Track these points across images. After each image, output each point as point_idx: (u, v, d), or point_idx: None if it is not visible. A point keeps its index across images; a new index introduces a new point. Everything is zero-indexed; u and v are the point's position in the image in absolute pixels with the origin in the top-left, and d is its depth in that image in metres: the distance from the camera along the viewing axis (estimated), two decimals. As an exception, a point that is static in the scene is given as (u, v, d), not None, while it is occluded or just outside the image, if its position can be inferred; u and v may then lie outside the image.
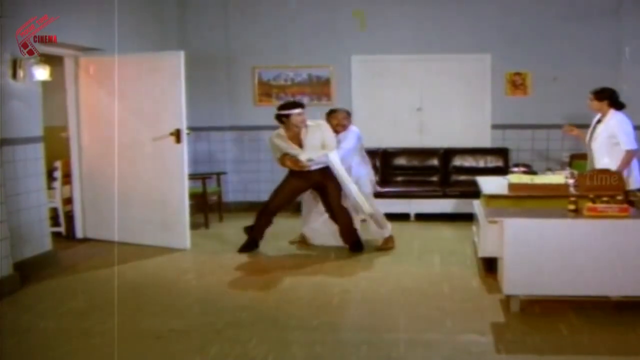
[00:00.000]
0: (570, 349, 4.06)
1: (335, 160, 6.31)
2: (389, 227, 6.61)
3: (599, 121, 6.00)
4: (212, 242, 7.07)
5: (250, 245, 6.55)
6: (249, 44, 8.78)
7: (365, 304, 5.04)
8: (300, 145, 6.36)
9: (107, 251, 6.53)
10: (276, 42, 8.77)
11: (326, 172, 6.36)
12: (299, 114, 6.31)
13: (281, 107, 6.47)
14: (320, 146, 6.34)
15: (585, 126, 6.23)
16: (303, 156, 6.28)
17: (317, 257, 6.35)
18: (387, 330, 4.40)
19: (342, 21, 8.66)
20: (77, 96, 7.09)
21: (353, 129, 6.59)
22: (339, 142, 6.43)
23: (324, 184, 6.40)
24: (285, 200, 6.59)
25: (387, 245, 6.56)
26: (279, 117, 6.40)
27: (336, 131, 6.47)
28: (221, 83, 8.85)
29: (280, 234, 6.93)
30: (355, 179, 6.43)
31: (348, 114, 6.67)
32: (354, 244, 6.49)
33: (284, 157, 6.39)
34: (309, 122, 6.38)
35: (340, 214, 6.46)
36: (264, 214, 6.57)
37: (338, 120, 6.52)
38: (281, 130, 6.44)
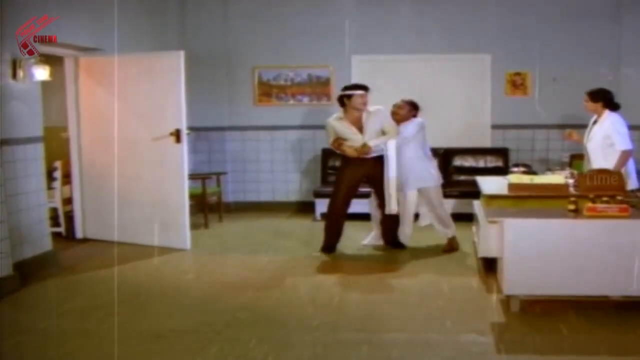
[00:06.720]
0: (570, 349, 4.06)
1: (392, 148, 6.21)
2: (454, 228, 6.51)
3: (594, 122, 6.00)
4: (212, 242, 7.07)
5: (329, 249, 6.44)
6: (249, 44, 8.78)
7: (366, 304, 5.04)
8: (360, 129, 6.25)
9: (107, 251, 6.53)
10: (276, 42, 8.77)
11: (381, 161, 6.25)
12: (361, 96, 6.20)
13: (344, 88, 6.38)
14: (380, 131, 6.25)
15: (585, 126, 6.23)
16: (370, 142, 6.13)
17: (315, 257, 6.34)
18: (387, 330, 4.40)
19: (342, 21, 8.65)
20: (77, 96, 7.09)
21: (417, 120, 6.42)
22: (399, 131, 6.31)
23: (379, 173, 6.25)
24: (349, 192, 6.35)
25: (451, 246, 6.49)
26: (341, 98, 6.30)
27: (394, 120, 6.35)
28: (221, 83, 8.85)
29: (280, 233, 6.93)
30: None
31: (410, 104, 6.45)
32: (394, 240, 6.51)
33: (340, 142, 6.23)
34: (369, 108, 6.27)
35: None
36: (333, 215, 6.40)
37: (393, 109, 6.39)
38: (340, 114, 6.34)
